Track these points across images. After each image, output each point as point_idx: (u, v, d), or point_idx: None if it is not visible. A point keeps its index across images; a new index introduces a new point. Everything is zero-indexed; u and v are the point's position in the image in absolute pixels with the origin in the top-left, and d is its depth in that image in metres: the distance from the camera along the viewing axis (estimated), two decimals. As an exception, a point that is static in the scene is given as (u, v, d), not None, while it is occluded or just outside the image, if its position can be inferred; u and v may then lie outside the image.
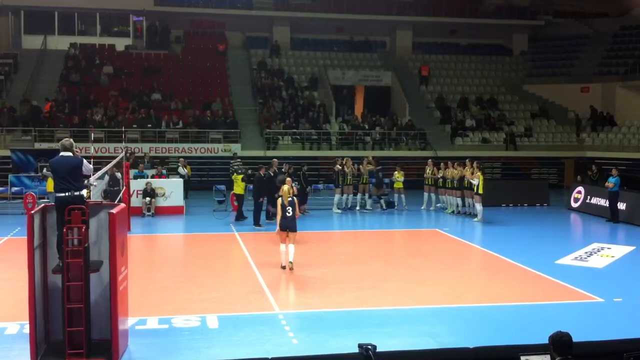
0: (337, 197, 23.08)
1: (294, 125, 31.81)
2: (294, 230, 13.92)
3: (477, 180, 20.77)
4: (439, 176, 23.19)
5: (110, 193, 19.65)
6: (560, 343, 5.79)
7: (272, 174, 20.48)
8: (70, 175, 8.58)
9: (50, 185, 20.44)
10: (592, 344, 7.19)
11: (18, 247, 15.14)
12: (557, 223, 21.88)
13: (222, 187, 24.02)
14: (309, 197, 23.14)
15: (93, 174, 10.11)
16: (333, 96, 34.55)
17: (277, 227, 14.00)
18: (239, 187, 21.22)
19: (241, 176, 21.34)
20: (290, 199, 13.95)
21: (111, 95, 32.14)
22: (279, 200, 14.03)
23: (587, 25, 40.01)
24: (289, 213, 13.83)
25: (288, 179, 15.71)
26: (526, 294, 12.53)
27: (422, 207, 23.87)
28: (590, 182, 24.83)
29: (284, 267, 14.05)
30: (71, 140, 8.98)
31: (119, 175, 20.70)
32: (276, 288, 12.94)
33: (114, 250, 8.65)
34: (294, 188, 15.38)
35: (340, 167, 22.91)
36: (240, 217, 20.94)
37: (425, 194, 23.93)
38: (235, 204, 23.03)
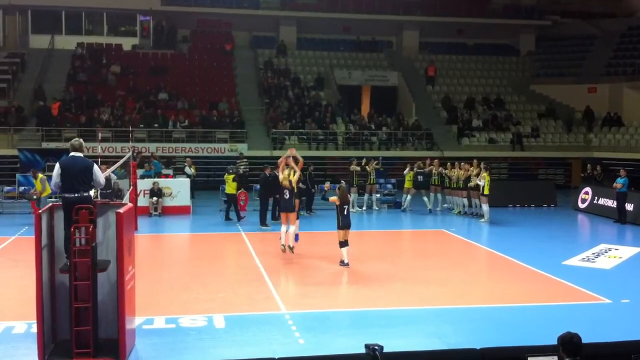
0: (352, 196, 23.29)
1: (300, 125, 31.82)
2: (291, 211, 14.95)
3: (483, 181, 20.75)
4: (445, 172, 23.05)
5: (105, 197, 19.46)
6: (570, 344, 5.76)
7: (277, 174, 20.42)
8: (82, 176, 8.62)
9: (39, 185, 20.27)
10: (599, 345, 7.17)
11: (26, 246, 15.21)
12: (564, 224, 21.83)
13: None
14: (315, 197, 23.14)
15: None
16: (339, 96, 34.56)
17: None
18: (230, 187, 20.99)
19: (232, 176, 21.11)
20: (289, 182, 14.98)
21: (118, 94, 32.23)
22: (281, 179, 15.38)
23: (595, 25, 39.89)
24: (286, 196, 14.94)
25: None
26: (533, 294, 12.50)
27: (428, 208, 23.82)
28: (594, 182, 24.78)
29: (286, 247, 14.97)
30: (81, 140, 9.01)
31: (113, 177, 20.57)
32: (283, 288, 12.96)
33: (121, 249, 8.67)
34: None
35: (358, 167, 23.28)
36: (228, 217, 20.88)
37: (431, 194, 23.90)
38: (242, 203, 23.09)
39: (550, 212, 24.36)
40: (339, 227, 14.42)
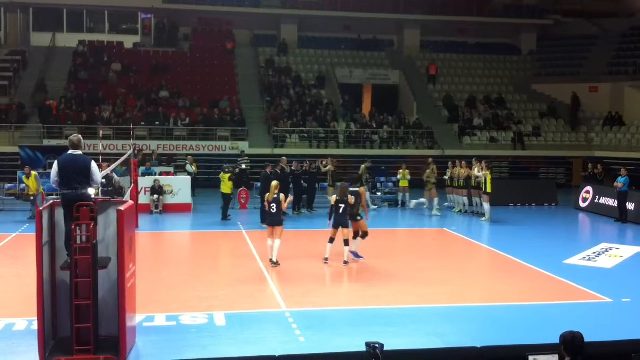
0: None
1: (302, 123, 31.81)
2: (278, 225, 14.32)
3: (481, 174, 20.73)
4: (445, 177, 23.10)
5: (106, 194, 19.45)
6: (572, 343, 5.76)
7: (279, 172, 20.44)
8: (80, 174, 8.61)
9: (32, 183, 20.27)
10: (599, 345, 7.15)
11: (27, 243, 15.23)
12: (565, 223, 21.82)
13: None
14: (316, 195, 23.11)
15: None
16: (340, 95, 34.56)
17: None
18: (225, 187, 20.83)
19: (228, 175, 20.97)
20: (275, 195, 14.31)
21: (119, 92, 32.22)
22: (266, 196, 14.61)
23: (596, 25, 39.85)
24: (273, 209, 14.31)
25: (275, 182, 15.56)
26: (534, 293, 12.50)
27: (424, 206, 23.70)
28: (596, 181, 24.76)
29: (271, 261, 14.29)
30: (79, 136, 8.98)
31: (115, 176, 20.53)
32: (283, 286, 12.95)
33: (122, 247, 8.67)
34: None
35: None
36: (225, 217, 20.68)
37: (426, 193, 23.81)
38: (242, 201, 23.13)
39: (551, 211, 24.35)
40: (333, 225, 14.61)
